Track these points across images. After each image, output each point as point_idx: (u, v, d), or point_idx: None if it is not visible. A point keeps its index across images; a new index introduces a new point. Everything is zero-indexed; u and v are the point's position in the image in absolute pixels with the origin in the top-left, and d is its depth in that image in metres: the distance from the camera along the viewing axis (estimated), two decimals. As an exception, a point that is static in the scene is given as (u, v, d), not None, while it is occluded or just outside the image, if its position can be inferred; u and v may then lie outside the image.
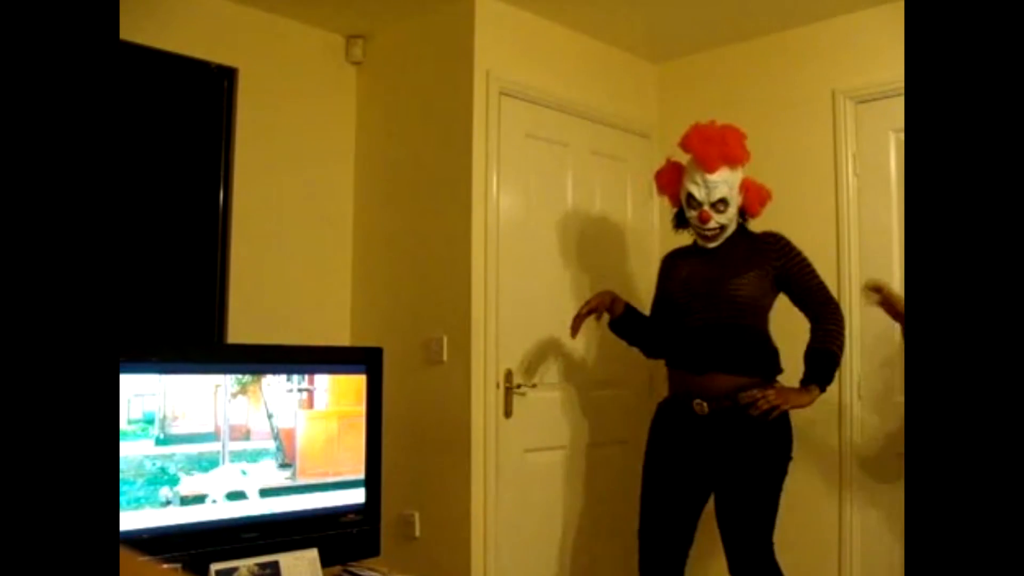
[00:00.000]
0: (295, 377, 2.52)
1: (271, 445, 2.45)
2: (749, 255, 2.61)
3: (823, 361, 2.55)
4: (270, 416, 2.44)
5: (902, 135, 2.95)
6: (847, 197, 3.21)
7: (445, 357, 3.13)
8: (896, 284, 3.07)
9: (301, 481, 2.49)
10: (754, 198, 2.66)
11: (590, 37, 3.54)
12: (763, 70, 3.47)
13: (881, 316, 3.08)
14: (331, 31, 3.51)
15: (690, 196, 2.60)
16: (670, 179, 2.71)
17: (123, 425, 2.16)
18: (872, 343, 3.10)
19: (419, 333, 3.20)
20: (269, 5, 3.26)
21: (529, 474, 3.20)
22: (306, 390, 2.54)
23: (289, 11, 3.33)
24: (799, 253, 2.64)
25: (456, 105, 3.16)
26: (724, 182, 2.57)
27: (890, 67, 2.94)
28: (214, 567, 2.25)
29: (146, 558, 1.85)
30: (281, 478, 2.46)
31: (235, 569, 2.29)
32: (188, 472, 2.28)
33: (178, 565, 2.19)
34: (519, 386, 3.17)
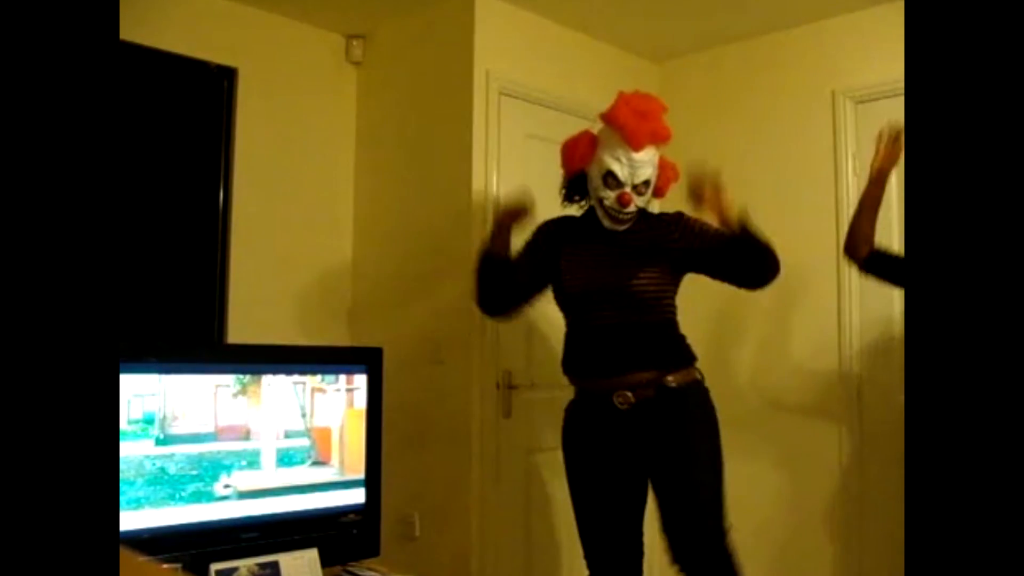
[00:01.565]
0: (342, 377, 2.55)
1: (305, 443, 2.47)
2: (651, 244, 2.36)
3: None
4: (304, 415, 2.46)
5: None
6: (847, 197, 3.21)
7: (445, 357, 3.13)
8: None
9: (348, 477, 2.55)
10: (666, 177, 2.41)
11: (590, 37, 3.54)
12: (763, 70, 3.47)
13: (880, 316, 3.08)
14: (331, 31, 3.51)
15: (610, 174, 2.30)
16: (585, 153, 2.37)
17: (123, 425, 2.16)
18: (872, 342, 3.10)
19: (419, 333, 3.20)
20: (269, 5, 3.26)
21: (529, 474, 3.20)
22: (352, 389, 2.56)
23: (289, 11, 3.33)
24: (698, 221, 2.39)
25: (456, 105, 3.16)
26: (649, 162, 2.30)
27: (890, 67, 2.93)
28: (214, 567, 2.25)
29: (146, 558, 1.85)
30: (328, 474, 2.51)
31: (235, 569, 2.29)
32: (193, 471, 2.28)
33: (178, 565, 2.19)
34: (519, 386, 3.17)
